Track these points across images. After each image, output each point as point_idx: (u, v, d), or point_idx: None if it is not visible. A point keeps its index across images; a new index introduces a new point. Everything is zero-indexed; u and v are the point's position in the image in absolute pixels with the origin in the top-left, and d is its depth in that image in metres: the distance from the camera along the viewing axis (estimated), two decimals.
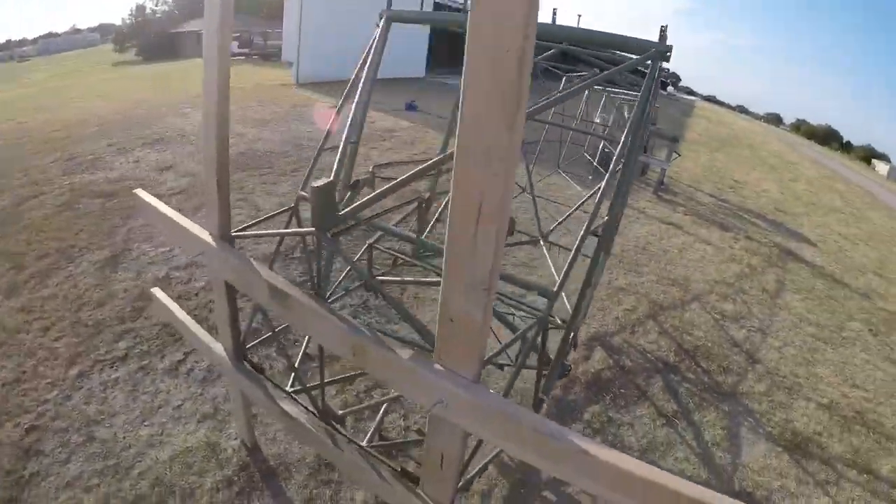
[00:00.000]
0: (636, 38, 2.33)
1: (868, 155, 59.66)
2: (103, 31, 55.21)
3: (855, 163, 47.82)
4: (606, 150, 10.37)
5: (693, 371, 4.60)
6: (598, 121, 11.69)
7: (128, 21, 42.45)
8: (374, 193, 1.87)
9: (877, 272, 8.83)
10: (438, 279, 1.35)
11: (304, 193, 2.78)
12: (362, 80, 2.93)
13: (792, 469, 3.60)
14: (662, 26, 2.32)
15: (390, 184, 1.89)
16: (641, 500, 1.20)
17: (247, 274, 1.94)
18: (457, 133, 1.13)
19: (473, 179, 1.15)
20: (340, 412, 2.28)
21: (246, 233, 2.32)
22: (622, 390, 4.15)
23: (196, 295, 4.55)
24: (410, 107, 13.36)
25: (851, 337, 5.76)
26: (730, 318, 5.66)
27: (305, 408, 2.21)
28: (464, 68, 1.07)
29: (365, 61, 2.98)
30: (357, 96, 2.91)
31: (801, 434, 3.93)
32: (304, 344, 3.02)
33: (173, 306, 2.82)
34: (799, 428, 4.00)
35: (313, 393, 2.25)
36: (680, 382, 4.42)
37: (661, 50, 2.27)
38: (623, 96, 10.68)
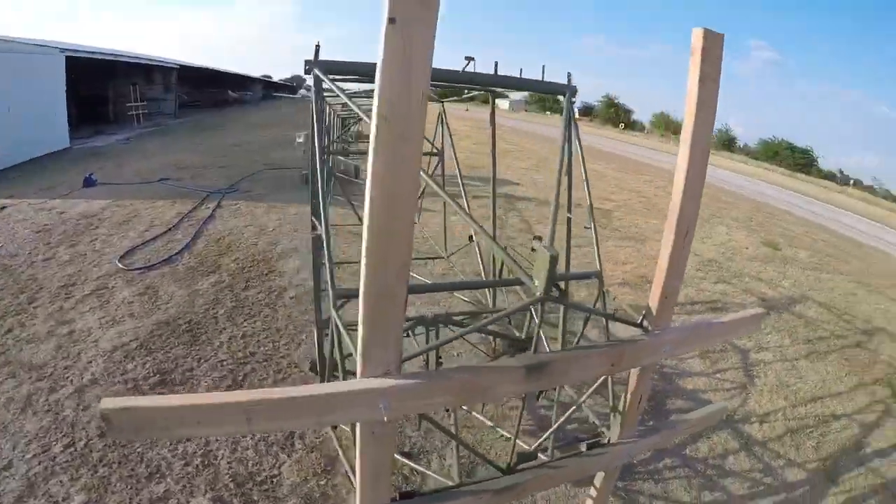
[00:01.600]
0: (549, 82, 3.17)
1: (485, 98, 74.39)
2: None
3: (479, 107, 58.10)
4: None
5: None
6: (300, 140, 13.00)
7: None
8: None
9: (564, 190, 12.72)
10: None
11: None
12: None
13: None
14: (569, 72, 3.15)
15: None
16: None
17: (482, 379, 1.80)
18: (676, 195, 1.98)
19: (687, 217, 2.04)
20: (530, 449, 2.40)
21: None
22: None
23: None
24: (90, 181, 10.51)
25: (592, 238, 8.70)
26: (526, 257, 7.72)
27: (495, 476, 2.20)
28: (684, 156, 1.94)
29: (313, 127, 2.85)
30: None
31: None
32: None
33: None
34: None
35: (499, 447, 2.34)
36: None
37: (573, 89, 3.16)
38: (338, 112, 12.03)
